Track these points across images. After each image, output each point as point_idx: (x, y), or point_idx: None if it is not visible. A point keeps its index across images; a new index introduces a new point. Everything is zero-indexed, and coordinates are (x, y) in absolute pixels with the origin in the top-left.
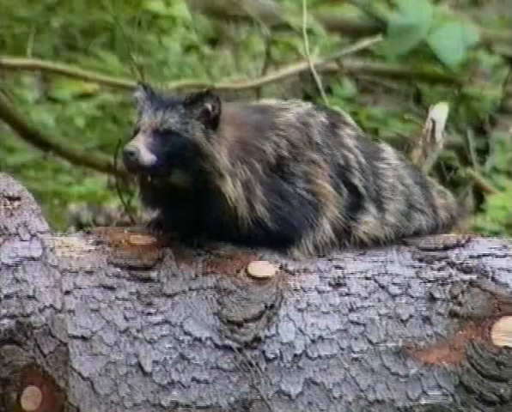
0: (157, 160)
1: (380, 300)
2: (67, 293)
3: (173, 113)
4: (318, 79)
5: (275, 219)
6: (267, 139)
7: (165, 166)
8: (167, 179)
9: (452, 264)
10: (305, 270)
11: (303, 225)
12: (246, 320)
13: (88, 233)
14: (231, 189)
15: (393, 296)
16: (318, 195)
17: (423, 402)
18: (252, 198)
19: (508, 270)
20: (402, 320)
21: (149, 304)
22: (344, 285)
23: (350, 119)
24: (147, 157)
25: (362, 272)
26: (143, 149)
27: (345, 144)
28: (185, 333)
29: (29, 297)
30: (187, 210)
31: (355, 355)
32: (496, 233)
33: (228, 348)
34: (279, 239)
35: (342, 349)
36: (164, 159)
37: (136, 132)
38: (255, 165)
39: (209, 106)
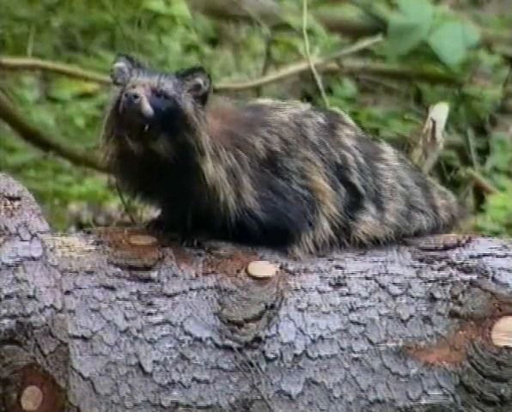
0: (153, 116)
1: (380, 300)
2: (67, 293)
3: (168, 80)
4: (318, 79)
5: (267, 211)
6: (257, 135)
7: (156, 126)
8: (151, 144)
9: (452, 264)
10: (305, 270)
11: (301, 219)
12: (247, 320)
13: (89, 233)
14: (210, 168)
15: (394, 296)
16: (314, 191)
17: (423, 402)
18: (239, 188)
19: (509, 270)
20: (402, 320)
21: (150, 304)
22: (345, 285)
23: (349, 120)
24: (147, 107)
25: (362, 272)
26: (145, 99)
27: (344, 144)
28: (186, 333)
29: (29, 297)
30: (167, 188)
31: (355, 355)
32: (496, 233)
33: (228, 348)
34: (278, 235)
35: (342, 349)
36: (158, 118)
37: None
38: (242, 156)
39: (200, 81)
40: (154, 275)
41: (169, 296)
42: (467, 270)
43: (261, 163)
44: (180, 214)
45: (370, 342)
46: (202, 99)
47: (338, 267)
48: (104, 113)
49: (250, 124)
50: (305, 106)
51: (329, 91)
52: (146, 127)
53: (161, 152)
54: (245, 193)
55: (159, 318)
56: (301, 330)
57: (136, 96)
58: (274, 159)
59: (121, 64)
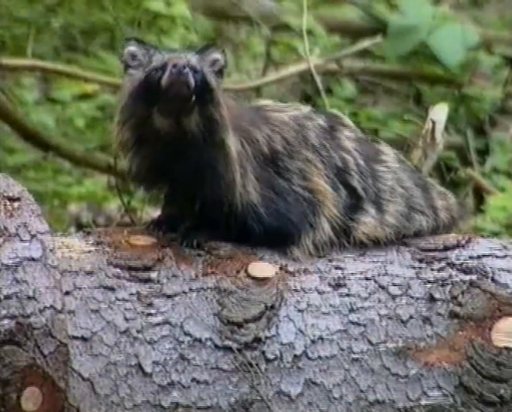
0: (194, 88)
1: (380, 301)
2: (67, 293)
3: (192, 56)
4: (318, 80)
5: (269, 211)
6: (261, 131)
7: (194, 98)
8: (184, 119)
9: (452, 265)
10: (305, 271)
11: (301, 221)
12: (247, 321)
13: (88, 233)
14: (234, 143)
15: (393, 297)
16: (314, 192)
17: (423, 402)
18: (244, 178)
19: (508, 271)
20: (402, 321)
21: (150, 304)
22: (345, 286)
23: (349, 122)
24: (192, 78)
25: (362, 273)
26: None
27: (344, 146)
28: (186, 334)
29: (29, 298)
30: (184, 169)
31: (355, 356)
32: (496, 234)
33: (228, 349)
34: (279, 237)
35: (342, 350)
36: (197, 91)
37: (161, 67)
38: (246, 147)
39: (218, 56)
40: (153, 275)
41: (169, 297)
42: (467, 271)
43: (264, 160)
44: (189, 202)
45: (370, 342)
46: (219, 73)
47: (337, 268)
48: (120, 99)
49: (253, 120)
50: (306, 108)
51: (329, 92)
52: (193, 98)
53: (192, 127)
54: (249, 185)
55: (159, 318)
56: (301, 331)
57: (184, 66)
58: (276, 158)
59: (133, 48)
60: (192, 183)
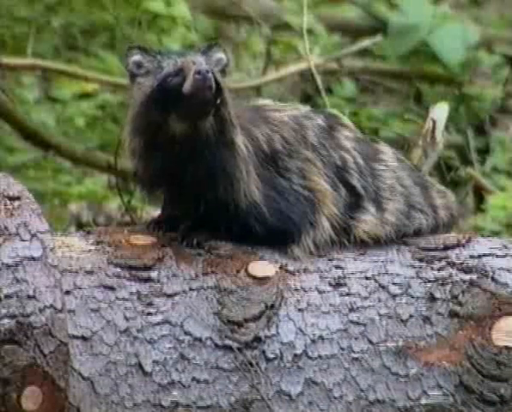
0: (213, 92)
1: (380, 300)
2: (67, 293)
3: (201, 58)
4: (318, 79)
5: (272, 211)
6: (260, 130)
7: (218, 101)
8: (201, 122)
9: (452, 264)
10: (305, 270)
11: (302, 220)
12: (247, 320)
13: (89, 232)
14: (242, 141)
15: (394, 296)
16: (314, 191)
17: (423, 402)
18: (248, 176)
19: (509, 270)
20: (402, 320)
21: (150, 304)
22: (345, 285)
23: (348, 121)
24: (213, 83)
25: (362, 272)
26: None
27: (343, 146)
28: (186, 333)
29: (29, 297)
30: (195, 169)
31: (355, 355)
32: (496, 233)
33: (228, 348)
34: (280, 236)
35: (342, 349)
36: (214, 94)
37: (176, 72)
38: (248, 145)
39: (222, 55)
40: (154, 274)
41: (169, 296)
42: (467, 270)
43: (264, 158)
44: (193, 203)
45: (370, 341)
46: (222, 72)
47: (337, 267)
48: (131, 108)
49: (252, 119)
50: (305, 108)
51: (329, 91)
52: (218, 101)
53: (207, 129)
54: (252, 183)
55: (159, 317)
56: (301, 330)
57: (207, 71)
58: (276, 157)
59: (138, 57)
60: (201, 184)
